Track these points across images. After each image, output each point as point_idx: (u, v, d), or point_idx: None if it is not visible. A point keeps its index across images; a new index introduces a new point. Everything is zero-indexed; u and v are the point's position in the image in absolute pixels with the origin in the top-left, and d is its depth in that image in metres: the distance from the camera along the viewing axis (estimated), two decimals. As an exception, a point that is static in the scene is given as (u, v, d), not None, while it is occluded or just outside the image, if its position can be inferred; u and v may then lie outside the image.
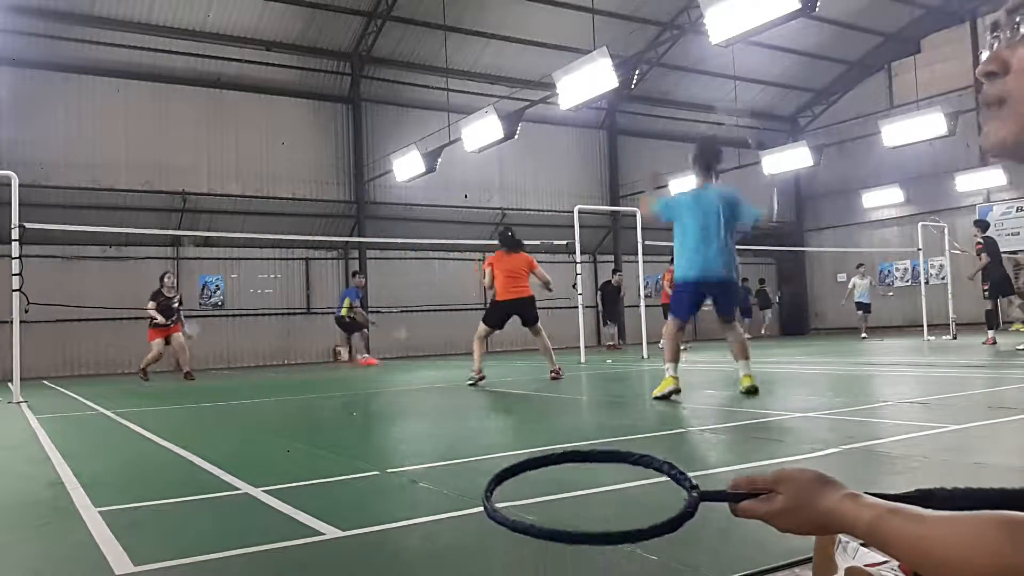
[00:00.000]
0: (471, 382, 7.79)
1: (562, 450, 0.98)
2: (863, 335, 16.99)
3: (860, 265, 18.48)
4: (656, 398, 5.29)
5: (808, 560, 1.72)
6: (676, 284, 5.87)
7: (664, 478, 0.96)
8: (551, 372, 8.33)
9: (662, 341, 6.11)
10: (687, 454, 3.50)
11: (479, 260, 8.17)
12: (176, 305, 11.81)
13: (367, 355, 13.94)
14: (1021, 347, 9.88)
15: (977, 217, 17.05)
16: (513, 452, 3.58)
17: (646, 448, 3.68)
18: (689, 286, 5.72)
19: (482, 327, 8.60)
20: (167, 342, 11.73)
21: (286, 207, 16.86)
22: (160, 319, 11.34)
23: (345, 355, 16.96)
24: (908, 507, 0.86)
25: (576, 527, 0.87)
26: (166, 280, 11.58)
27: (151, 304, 11.45)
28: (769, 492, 0.95)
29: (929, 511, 0.83)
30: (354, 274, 14.41)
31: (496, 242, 8.82)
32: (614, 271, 17.74)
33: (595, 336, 19.59)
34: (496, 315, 8.66)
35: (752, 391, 5.34)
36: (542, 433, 4.19)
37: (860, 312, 17.71)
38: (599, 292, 17.53)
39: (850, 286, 18.28)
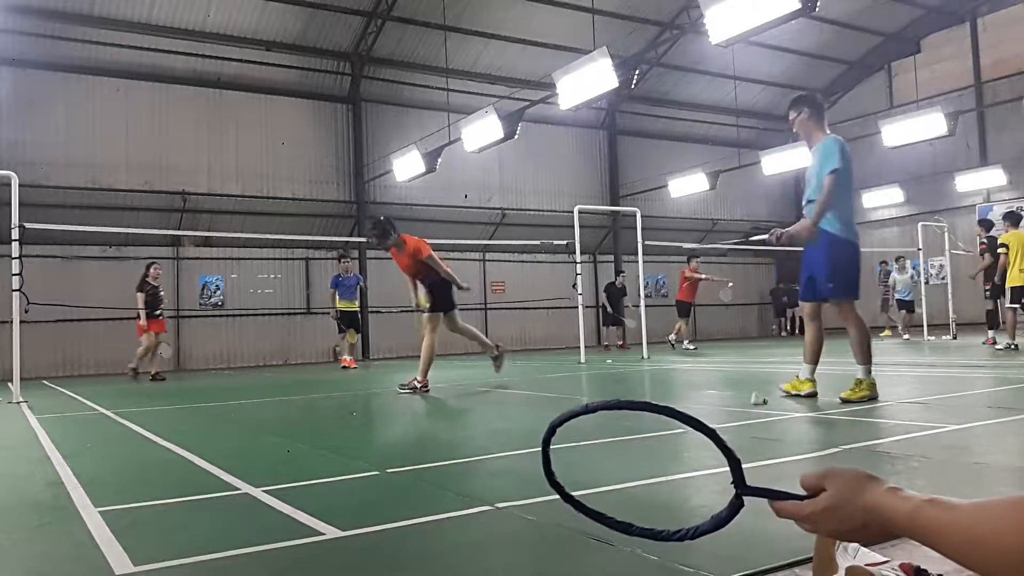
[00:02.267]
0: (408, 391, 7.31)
1: (644, 402, 1.04)
2: (905, 336, 15.52)
3: (899, 258, 16.80)
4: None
5: (808, 560, 1.72)
6: (849, 249, 4.89)
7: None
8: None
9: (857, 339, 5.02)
10: (687, 454, 3.50)
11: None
12: (162, 293, 11.68)
13: (346, 355, 12.89)
14: (1000, 347, 9.90)
15: (977, 217, 17.06)
16: (513, 452, 3.58)
17: (646, 447, 3.70)
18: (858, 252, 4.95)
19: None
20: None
21: (286, 207, 16.86)
22: (143, 313, 11.32)
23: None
24: (943, 498, 0.87)
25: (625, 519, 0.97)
26: (151, 270, 11.49)
27: (139, 296, 11.38)
28: (813, 496, 0.97)
29: (961, 500, 0.85)
30: (339, 258, 13.29)
31: (496, 241, 8.51)
32: (618, 272, 17.74)
33: (595, 336, 19.59)
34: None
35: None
36: (542, 433, 4.19)
37: (903, 311, 16.25)
38: (604, 293, 17.47)
39: (890, 283, 16.92)
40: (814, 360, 5.06)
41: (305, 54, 16.78)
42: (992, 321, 11.54)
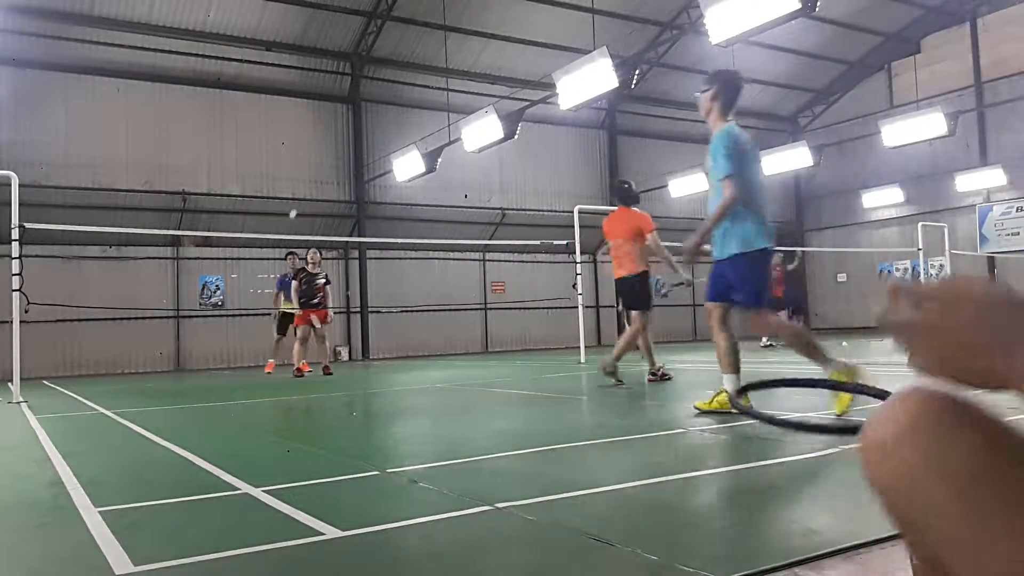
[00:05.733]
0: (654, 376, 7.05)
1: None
2: None
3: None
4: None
5: (809, 560, 1.73)
6: (757, 254, 4.35)
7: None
8: (651, 374, 7.19)
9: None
10: (687, 454, 3.50)
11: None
12: (322, 282, 10.60)
13: (270, 360, 11.88)
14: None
15: (977, 217, 17.07)
16: (513, 452, 3.58)
17: (646, 447, 3.69)
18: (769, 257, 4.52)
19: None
20: (312, 327, 10.57)
21: (286, 207, 16.85)
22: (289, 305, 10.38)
23: (345, 355, 16.96)
24: None
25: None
26: (310, 256, 10.63)
27: (294, 285, 10.54)
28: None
29: None
30: (287, 256, 11.78)
31: (496, 241, 8.18)
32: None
33: (595, 336, 19.59)
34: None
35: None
36: (543, 433, 4.19)
37: None
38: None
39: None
40: (736, 368, 4.50)
41: (305, 54, 16.78)
42: None
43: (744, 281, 4.36)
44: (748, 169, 4.41)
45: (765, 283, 4.43)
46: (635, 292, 7.05)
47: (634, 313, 7.14)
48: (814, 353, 4.30)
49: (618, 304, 7.60)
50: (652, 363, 7.26)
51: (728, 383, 4.50)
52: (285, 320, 11.45)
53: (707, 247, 4.45)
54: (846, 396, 4.14)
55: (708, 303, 4.58)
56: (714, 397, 4.55)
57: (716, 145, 4.42)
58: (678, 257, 4.53)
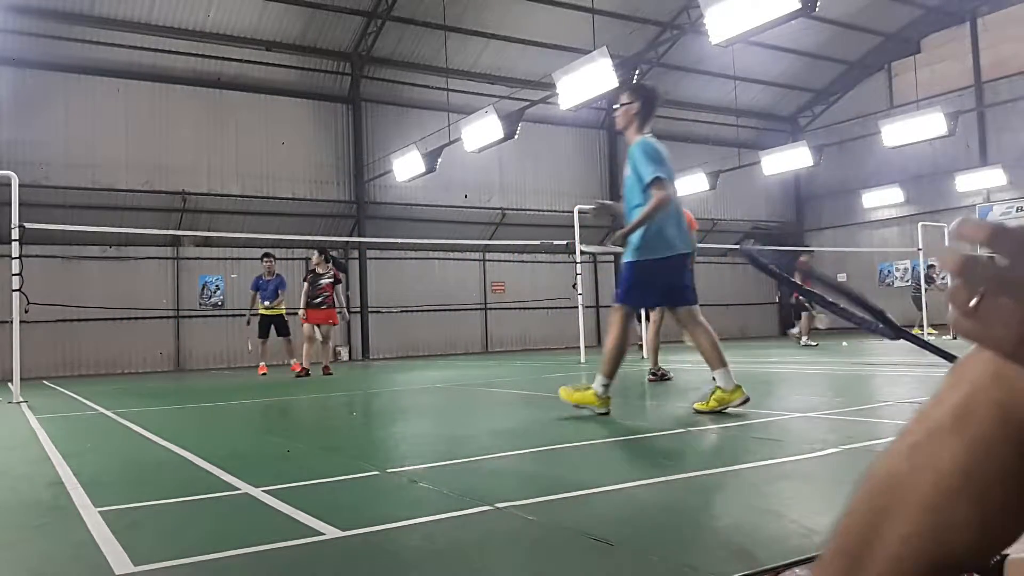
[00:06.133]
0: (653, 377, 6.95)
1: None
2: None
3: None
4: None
5: (809, 560, 1.72)
6: (654, 261, 4.60)
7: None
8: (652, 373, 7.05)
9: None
10: (687, 454, 3.50)
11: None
12: (327, 282, 10.54)
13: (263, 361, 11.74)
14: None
15: (977, 217, 17.05)
16: (513, 452, 3.58)
17: (646, 447, 3.69)
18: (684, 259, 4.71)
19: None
20: (315, 327, 10.61)
21: (286, 207, 16.86)
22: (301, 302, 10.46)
23: (345, 355, 16.96)
24: None
25: None
26: (314, 257, 10.72)
27: (304, 287, 10.68)
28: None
29: None
30: (262, 257, 11.67)
31: (496, 241, 8.19)
32: None
33: (595, 336, 19.58)
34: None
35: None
36: (543, 433, 4.18)
37: None
38: None
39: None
40: (723, 362, 4.52)
41: (305, 54, 16.78)
42: None
43: (622, 280, 4.68)
44: (670, 176, 4.58)
45: (640, 286, 4.63)
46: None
47: (657, 311, 7.13)
48: (607, 360, 4.53)
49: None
50: (656, 363, 7.25)
51: (720, 378, 4.51)
52: (266, 321, 11.38)
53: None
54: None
55: (617, 303, 4.72)
56: (711, 396, 4.55)
57: (639, 154, 4.57)
58: (616, 238, 4.69)
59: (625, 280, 4.65)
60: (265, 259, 11.47)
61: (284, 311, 11.52)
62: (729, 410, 4.43)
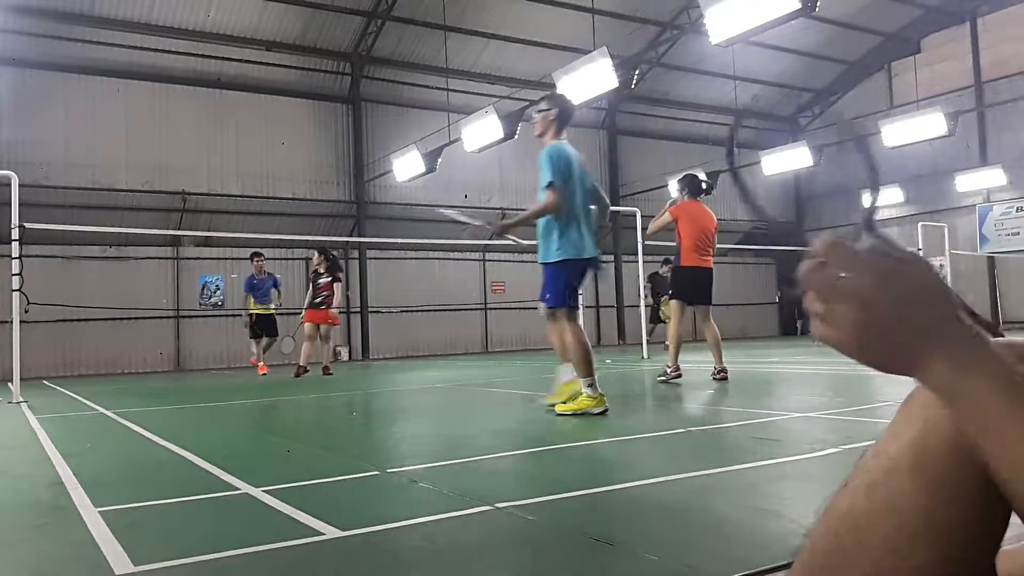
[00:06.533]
0: (663, 379, 6.92)
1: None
2: None
3: None
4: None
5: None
6: (561, 263, 4.89)
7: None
8: (718, 372, 6.95)
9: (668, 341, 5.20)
10: (687, 454, 3.50)
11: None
12: (326, 281, 10.58)
13: (261, 361, 11.79)
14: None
15: (978, 217, 17.08)
16: (513, 452, 3.58)
17: (646, 447, 3.69)
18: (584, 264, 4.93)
19: (677, 306, 7.13)
20: (316, 327, 10.67)
21: (286, 207, 16.86)
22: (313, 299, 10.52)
23: (345, 355, 16.96)
24: None
25: None
26: (315, 257, 10.78)
27: (311, 288, 10.76)
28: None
29: None
30: (252, 257, 11.78)
31: (496, 241, 8.10)
32: (665, 261, 16.49)
33: (595, 336, 19.59)
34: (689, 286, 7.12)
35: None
36: (543, 433, 4.19)
37: None
38: (648, 285, 14.94)
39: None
40: (592, 369, 4.70)
41: (305, 54, 16.78)
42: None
43: (546, 285, 4.95)
44: (569, 185, 4.89)
45: (567, 288, 4.88)
46: (710, 285, 7.21)
47: (676, 305, 7.14)
48: (578, 362, 4.73)
49: (672, 295, 7.41)
50: (675, 361, 7.06)
51: (572, 377, 4.80)
52: (260, 321, 11.52)
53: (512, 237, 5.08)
54: (568, 388, 4.80)
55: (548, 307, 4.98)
56: (564, 394, 4.81)
57: (544, 158, 4.93)
58: (491, 226, 5.22)
59: (550, 284, 4.88)
60: (255, 259, 11.56)
61: (274, 311, 11.66)
62: (731, 409, 4.42)
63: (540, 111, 5.08)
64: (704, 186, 7.39)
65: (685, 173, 7.70)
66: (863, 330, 0.61)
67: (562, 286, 4.84)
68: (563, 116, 5.05)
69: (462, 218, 5.92)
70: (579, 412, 4.60)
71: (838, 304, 0.62)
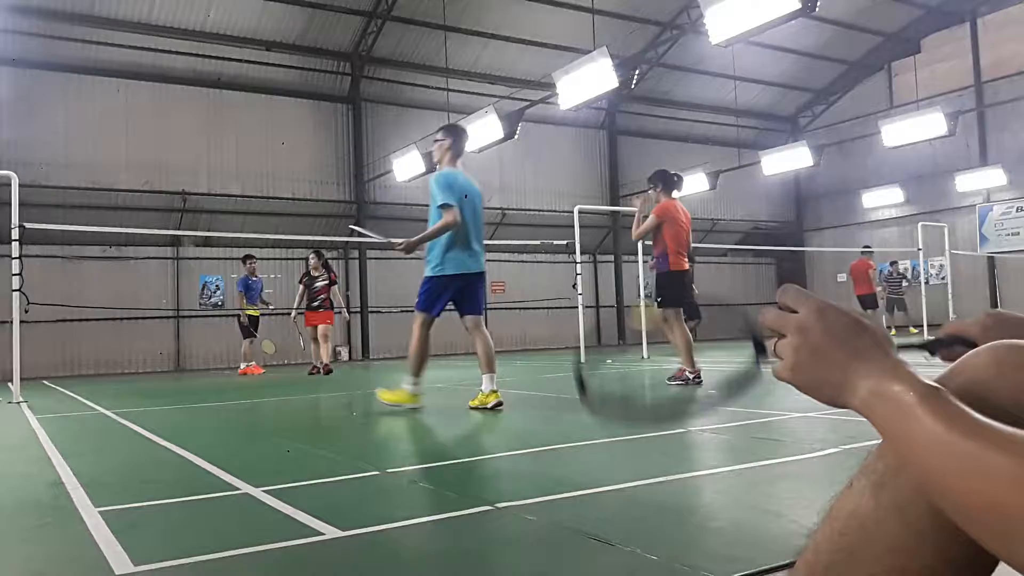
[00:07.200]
0: (680, 383, 6.73)
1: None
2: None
3: (894, 262, 17.72)
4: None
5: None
6: (445, 278, 5.53)
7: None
8: (678, 375, 6.87)
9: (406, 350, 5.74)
10: (687, 454, 3.50)
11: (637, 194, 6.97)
12: (323, 284, 10.85)
13: (251, 363, 12.04)
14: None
15: (978, 218, 17.08)
16: (513, 452, 3.58)
17: (646, 447, 3.69)
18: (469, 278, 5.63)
19: (674, 314, 7.04)
20: (317, 328, 10.91)
21: (286, 207, 16.86)
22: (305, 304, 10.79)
23: (345, 355, 16.96)
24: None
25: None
26: (311, 260, 11.06)
27: (300, 290, 11.02)
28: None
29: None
30: (244, 259, 11.98)
31: (496, 241, 8.22)
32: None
33: (595, 336, 19.59)
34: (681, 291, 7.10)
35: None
36: (543, 433, 4.19)
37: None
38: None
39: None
40: (491, 369, 5.37)
41: (305, 54, 16.78)
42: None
43: (420, 292, 5.53)
44: (461, 205, 5.49)
45: (434, 298, 5.47)
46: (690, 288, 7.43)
47: (674, 313, 7.10)
48: (410, 362, 5.52)
49: (663, 303, 7.31)
50: (692, 364, 6.88)
51: (486, 382, 5.33)
52: (253, 322, 11.89)
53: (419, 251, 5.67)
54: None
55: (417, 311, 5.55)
56: (478, 395, 5.30)
57: (434, 183, 5.57)
58: (399, 242, 5.68)
59: (422, 292, 5.49)
60: (248, 261, 11.85)
61: (259, 312, 12.08)
62: (731, 409, 4.43)
63: (436, 140, 5.88)
64: (676, 179, 7.49)
65: (656, 170, 7.66)
66: (799, 352, 0.70)
67: (432, 296, 5.44)
68: (456, 146, 5.78)
69: (372, 235, 6.56)
70: (395, 404, 5.39)
71: (785, 337, 0.72)
